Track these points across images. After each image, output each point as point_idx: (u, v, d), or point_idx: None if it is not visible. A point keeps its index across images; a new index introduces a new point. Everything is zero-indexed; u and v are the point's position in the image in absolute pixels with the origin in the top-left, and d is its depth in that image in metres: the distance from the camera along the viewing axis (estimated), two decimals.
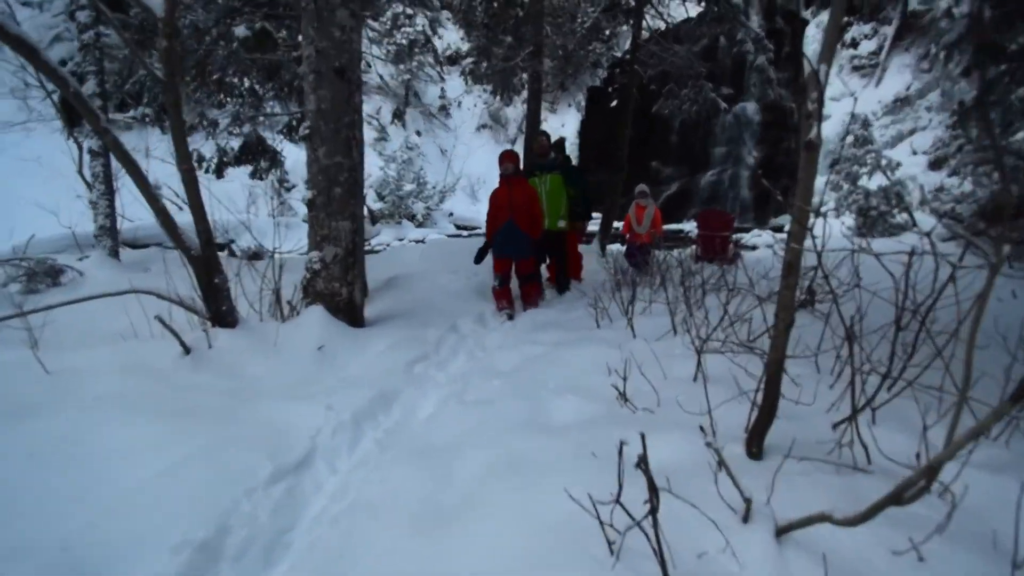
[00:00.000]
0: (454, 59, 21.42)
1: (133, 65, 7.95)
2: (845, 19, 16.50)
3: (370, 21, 10.80)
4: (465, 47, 18.54)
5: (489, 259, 4.73)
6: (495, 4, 9.14)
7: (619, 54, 19.07)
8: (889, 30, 16.08)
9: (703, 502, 1.50)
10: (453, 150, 19.18)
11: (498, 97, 18.47)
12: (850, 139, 13.99)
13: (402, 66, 18.20)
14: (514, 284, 4.82)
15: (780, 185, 17.06)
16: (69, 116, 6.51)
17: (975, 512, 1.49)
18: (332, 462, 1.99)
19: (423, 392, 2.73)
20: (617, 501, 1.08)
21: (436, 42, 20.27)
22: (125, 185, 4.03)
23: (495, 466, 1.75)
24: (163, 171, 10.09)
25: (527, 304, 4.66)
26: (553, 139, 9.16)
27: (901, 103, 15.08)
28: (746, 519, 1.42)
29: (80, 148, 6.65)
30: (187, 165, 2.89)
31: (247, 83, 7.50)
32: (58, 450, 1.85)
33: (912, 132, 14.40)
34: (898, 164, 13.29)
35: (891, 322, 1.92)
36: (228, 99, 7.72)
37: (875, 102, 15.49)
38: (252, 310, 3.39)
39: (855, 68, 16.65)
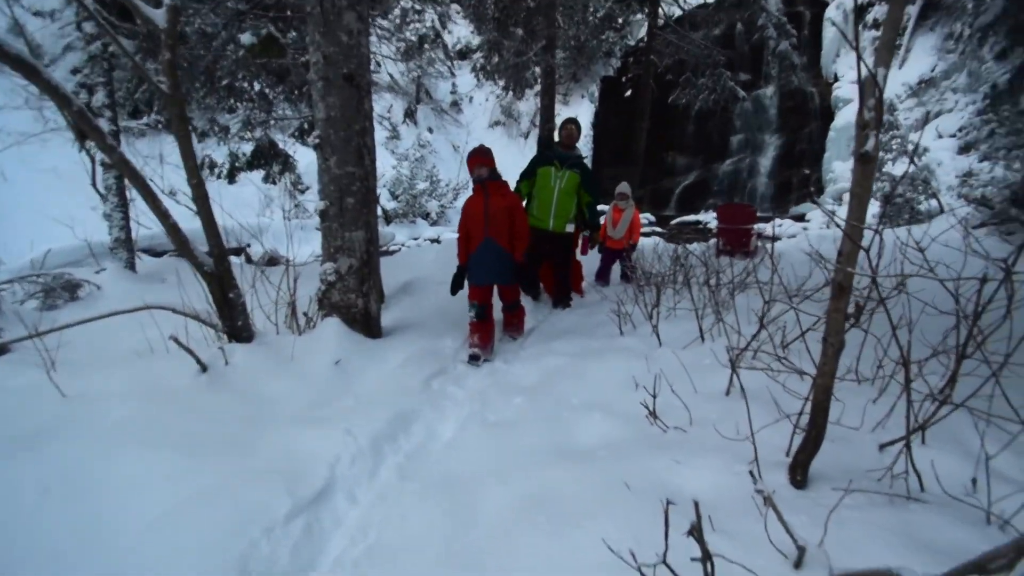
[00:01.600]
0: (464, 54, 21.24)
1: (140, 72, 7.99)
2: None
3: (378, 19, 10.71)
4: (476, 41, 18.34)
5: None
6: None
7: (633, 43, 18.67)
8: (913, 9, 15.44)
9: (751, 545, 1.39)
10: (466, 146, 19.06)
11: (510, 92, 18.27)
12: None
13: (412, 63, 18.09)
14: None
15: (801, 173, 16.62)
16: (80, 129, 6.56)
17: None
18: (352, 492, 1.92)
19: (442, 411, 2.64)
20: (664, 562, 0.97)
21: (446, 37, 20.11)
22: (139, 196, 4.03)
23: (521, 503, 1.66)
24: (178, 177, 10.18)
25: (509, 332, 3.90)
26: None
27: (926, 85, 14.50)
28: (799, 565, 1.30)
29: (92, 160, 6.69)
30: (196, 180, 2.83)
31: (257, 87, 7.47)
32: (70, 483, 1.80)
33: (938, 115, 13.84)
34: (925, 149, 12.79)
35: (949, 346, 1.76)
36: (238, 104, 7.71)
37: (899, 84, 14.92)
38: (268, 322, 3.34)
39: (878, 49, 16.02)
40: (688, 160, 18.41)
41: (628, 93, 18.79)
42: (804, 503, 1.61)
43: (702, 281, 3.95)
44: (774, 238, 11.75)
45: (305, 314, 3.36)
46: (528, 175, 4.58)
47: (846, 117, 15.22)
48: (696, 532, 0.92)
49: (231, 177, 10.14)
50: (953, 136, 13.10)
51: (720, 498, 1.60)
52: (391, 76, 15.74)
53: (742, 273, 3.94)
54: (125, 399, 2.41)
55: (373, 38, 10.72)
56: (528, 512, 1.62)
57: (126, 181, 5.55)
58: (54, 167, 13.07)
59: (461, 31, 20.71)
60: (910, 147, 12.45)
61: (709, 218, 15.23)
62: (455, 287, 3.71)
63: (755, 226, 8.45)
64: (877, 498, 1.62)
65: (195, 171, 2.82)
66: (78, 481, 1.82)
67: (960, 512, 1.56)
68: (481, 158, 3.60)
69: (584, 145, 19.48)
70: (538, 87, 10.35)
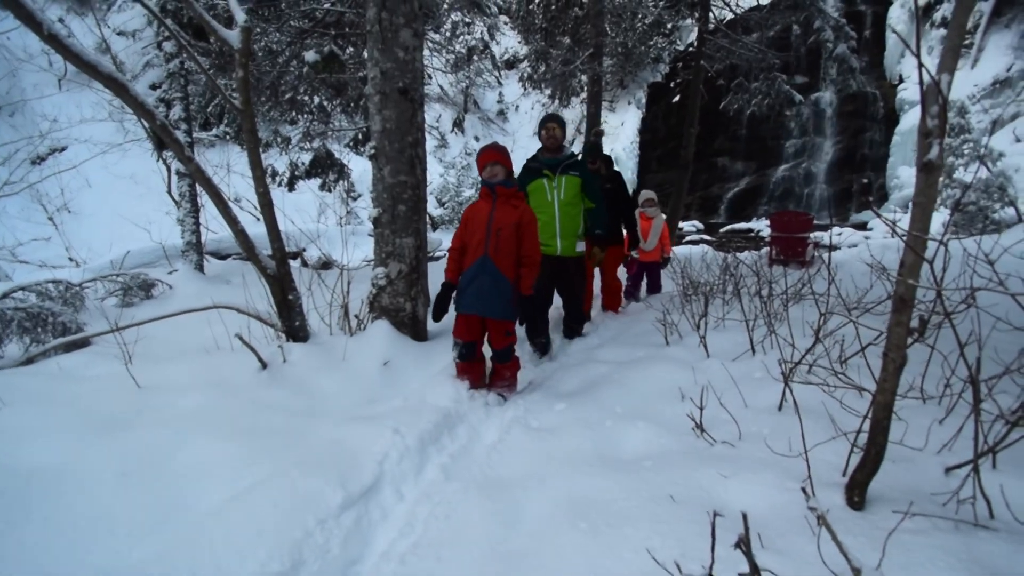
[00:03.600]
0: (512, 63, 21.54)
1: (214, 88, 8.61)
2: None
3: (430, 33, 11.06)
4: (523, 51, 18.59)
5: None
6: (554, 7, 9.06)
7: (682, 47, 18.35)
8: (986, 6, 14.37)
9: (802, 565, 1.36)
10: (510, 155, 19.30)
11: (556, 100, 18.36)
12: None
13: (461, 74, 18.54)
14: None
15: (862, 179, 15.75)
16: (159, 140, 7.15)
17: None
18: (399, 489, 1.99)
19: (486, 414, 2.70)
20: (709, 575, 0.97)
21: (494, 48, 20.48)
22: (209, 202, 4.36)
23: (564, 508, 1.68)
24: (242, 185, 10.86)
25: (497, 389, 2.97)
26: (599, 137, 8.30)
27: (1001, 86, 13.45)
28: None
29: (168, 169, 7.25)
30: (263, 188, 3.03)
31: (316, 100, 7.89)
32: (145, 467, 1.96)
33: (1014, 117, 12.80)
34: (1000, 154, 11.85)
35: (1019, 365, 1.65)
36: (299, 116, 8.15)
37: (971, 86, 13.91)
38: (323, 323, 3.51)
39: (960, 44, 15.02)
40: (740, 166, 17.83)
41: (676, 99, 18.46)
42: (861, 525, 1.54)
43: (753, 291, 3.84)
44: (832, 248, 11.19)
45: (356, 316, 3.51)
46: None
47: (912, 120, 14.35)
48: (744, 545, 0.91)
49: (291, 185, 10.73)
50: None
51: (770, 515, 1.56)
52: (441, 87, 16.19)
53: (797, 284, 3.79)
54: (193, 391, 2.61)
55: (425, 51, 11.08)
56: (570, 517, 1.64)
57: (197, 188, 5.99)
58: (132, 174, 14.26)
59: (509, 42, 21.04)
60: (983, 152, 11.57)
61: (760, 226, 14.68)
62: (437, 311, 2.96)
63: (811, 235, 8.08)
64: (941, 523, 1.53)
65: (262, 180, 3.03)
66: (152, 466, 1.99)
67: None
68: (495, 154, 2.90)
69: (630, 151, 19.25)
70: (584, 95, 10.36)
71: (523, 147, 19.66)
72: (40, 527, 1.68)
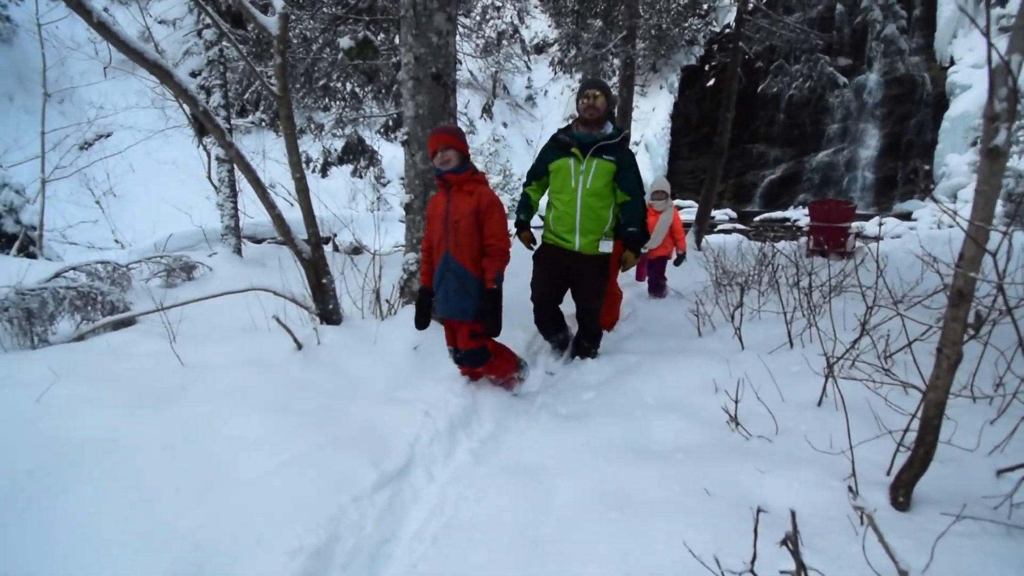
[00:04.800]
0: (541, 48, 21.22)
1: (251, 75, 8.78)
2: None
3: (461, 18, 10.99)
4: (553, 35, 18.27)
5: None
6: None
7: (718, 29, 17.71)
8: None
9: (846, 565, 1.32)
10: (539, 141, 19.12)
11: None
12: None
13: (490, 59, 18.38)
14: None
15: (909, 166, 15.00)
16: (199, 126, 7.37)
17: None
18: (430, 470, 2.03)
19: (514, 401, 2.71)
20: (751, 571, 0.95)
21: (523, 32, 20.20)
22: (246, 188, 4.45)
23: (594, 496, 1.68)
24: (277, 171, 11.11)
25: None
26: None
27: None
28: None
29: (208, 155, 7.44)
30: (299, 174, 3.08)
31: (349, 87, 7.96)
32: (189, 441, 2.05)
33: None
34: None
35: None
36: (332, 103, 8.25)
37: None
38: (355, 307, 3.58)
39: (1003, 29, 14.02)
40: (777, 152, 17.22)
41: (711, 83, 17.88)
42: (907, 526, 1.49)
43: (791, 283, 3.71)
44: (875, 238, 10.73)
45: (387, 301, 3.57)
46: (537, 174, 3.20)
47: (963, 105, 13.53)
48: (791, 542, 0.89)
49: (324, 171, 10.90)
50: None
51: (810, 513, 1.52)
52: (470, 72, 16.11)
53: (839, 275, 3.65)
54: (234, 369, 2.70)
55: (456, 36, 11.02)
56: (600, 505, 1.64)
57: (236, 174, 6.15)
58: (174, 160, 14.75)
59: (539, 25, 20.71)
60: None
61: (798, 215, 14.18)
62: (419, 319, 2.71)
63: (853, 224, 7.76)
64: (992, 527, 1.46)
65: (298, 166, 3.08)
66: (196, 439, 2.07)
67: None
68: (445, 136, 2.50)
69: (661, 138, 18.79)
70: (615, 79, 10.13)
71: (551, 133, 19.42)
72: (91, 494, 1.78)
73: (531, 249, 3.31)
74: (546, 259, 3.18)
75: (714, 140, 8.39)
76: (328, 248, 6.23)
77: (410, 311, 3.35)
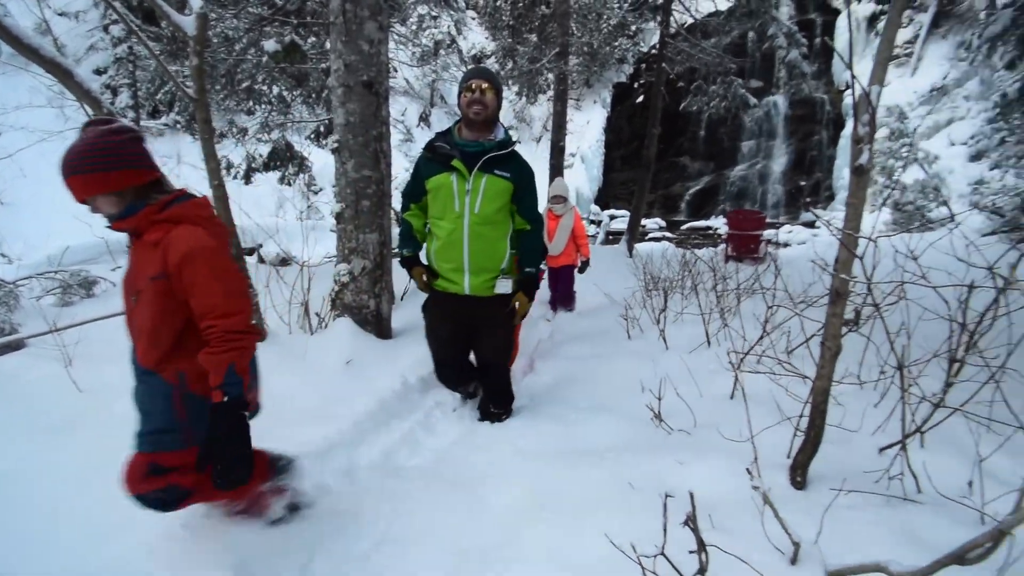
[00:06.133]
0: (479, 59, 21.41)
1: (164, 74, 8.24)
2: (877, 7, 15.85)
3: (396, 26, 10.91)
4: (490, 47, 18.53)
5: None
6: (521, 4, 9.09)
7: (645, 49, 18.74)
8: (925, 18, 15.35)
9: (749, 541, 1.44)
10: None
11: (523, 97, 18.42)
12: (885, 132, 13.45)
13: (427, 68, 18.32)
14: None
15: (813, 179, 16.56)
16: None
17: None
18: (361, 487, 1.99)
19: (451, 411, 2.71)
20: (662, 554, 1.03)
21: (461, 43, 20.30)
22: None
23: (528, 500, 1.72)
24: (194, 177, 10.42)
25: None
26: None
27: (938, 93, 14.41)
28: (794, 561, 1.35)
29: None
30: (217, 181, 2.94)
31: (276, 90, 7.65)
32: (94, 471, 1.88)
33: (950, 123, 13.75)
34: (935, 157, 12.73)
35: (943, 351, 1.81)
36: (257, 106, 7.89)
37: (910, 92, 14.83)
38: (281, 322, 3.43)
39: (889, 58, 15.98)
40: (700, 165, 18.42)
41: (640, 99, 18.85)
42: (803, 503, 1.66)
43: (709, 287, 4.00)
44: (783, 244, 11.73)
45: (318, 314, 3.45)
46: (414, 194, 2.42)
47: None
48: (691, 522, 0.98)
49: (247, 178, 10.35)
50: (965, 144, 13.00)
51: (722, 498, 1.65)
52: (407, 81, 15.93)
53: (748, 279, 3.98)
54: None
55: (391, 44, 10.91)
56: (533, 508, 1.69)
57: None
58: None
59: (476, 37, 20.89)
60: (920, 155, 12.38)
61: (719, 223, 15.23)
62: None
63: (764, 232, 8.45)
64: (874, 498, 1.66)
65: (217, 173, 2.93)
66: (103, 469, 1.91)
67: (955, 512, 1.60)
68: (81, 180, 1.36)
69: (596, 150, 19.53)
70: (551, 92, 10.44)
71: None
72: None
73: (426, 291, 2.50)
74: (437, 312, 2.46)
75: (642, 153, 8.87)
76: (252, 260, 5.93)
77: (342, 324, 3.27)
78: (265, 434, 2.24)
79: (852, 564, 1.23)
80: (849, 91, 16.11)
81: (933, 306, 1.88)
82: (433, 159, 2.30)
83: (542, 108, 20.19)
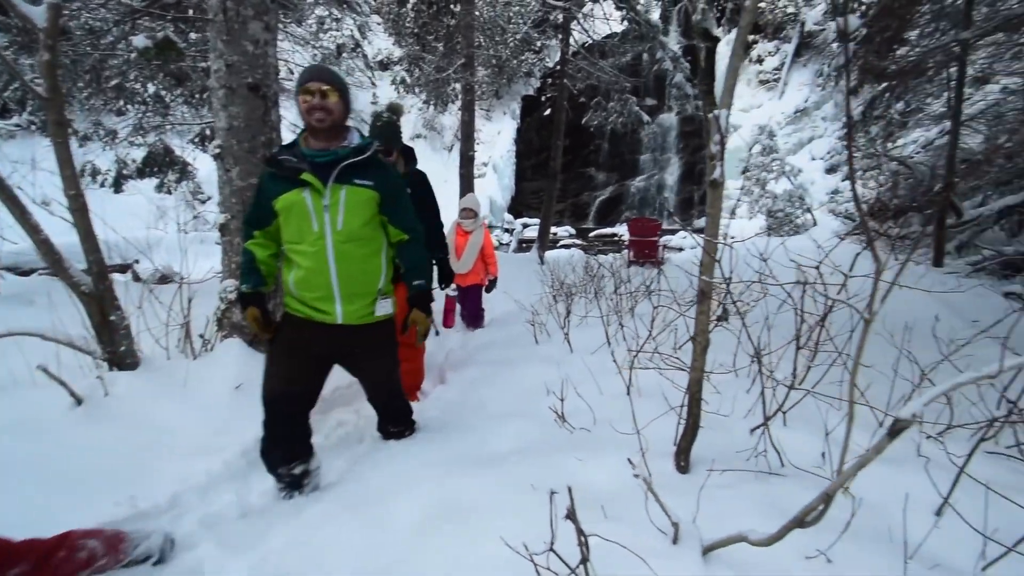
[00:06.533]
0: (386, 65, 20.98)
1: (12, 72, 7.14)
2: (751, 37, 17.89)
3: (293, 26, 10.37)
4: (397, 53, 18.22)
5: None
6: (426, 13, 9.08)
7: (551, 65, 19.54)
8: (789, 48, 17.62)
9: (636, 526, 1.54)
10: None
11: (431, 106, 18.33)
12: (758, 148, 15.19)
13: None
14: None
15: (702, 189, 18.25)
16: None
17: (876, 507, 1.64)
18: (260, 514, 1.85)
19: (355, 430, 2.61)
20: (551, 549, 1.07)
21: (366, 47, 19.77)
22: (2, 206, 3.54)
23: (433, 511, 1.70)
24: (53, 185, 9.08)
25: None
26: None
27: (801, 114, 16.57)
28: (675, 541, 1.46)
29: None
30: (74, 190, 2.60)
31: (152, 89, 6.94)
32: None
33: (811, 140, 15.86)
34: (799, 170, 14.61)
35: (792, 340, 2.07)
36: (129, 106, 7.10)
37: (779, 113, 16.90)
38: (158, 346, 3.09)
39: (761, 82, 18.09)
40: (604, 176, 19.53)
41: (547, 112, 19.58)
42: (687, 486, 1.80)
43: (610, 291, 4.24)
44: (679, 249, 12.76)
45: (201, 336, 3.16)
46: (260, 220, 2.09)
47: (734, 141, 16.93)
48: (571, 514, 1.03)
49: (117, 186, 9.21)
50: (822, 159, 15.06)
51: (616, 489, 1.75)
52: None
53: (644, 282, 4.28)
54: None
55: (287, 45, 10.33)
56: (438, 519, 1.67)
57: None
58: None
59: (382, 42, 20.46)
60: (788, 168, 14.14)
61: (623, 231, 16.23)
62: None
63: (662, 238, 9.14)
64: (746, 475, 1.85)
65: (73, 181, 2.59)
66: None
67: (812, 481, 1.83)
68: None
69: (507, 160, 19.93)
70: (459, 103, 10.52)
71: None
72: None
73: (265, 337, 2.11)
74: (292, 339, 2.08)
75: (550, 165, 9.21)
76: (125, 278, 5.29)
77: (230, 346, 3.02)
78: (144, 472, 2.02)
79: (722, 538, 1.36)
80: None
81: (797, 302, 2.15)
82: (279, 176, 1.98)
83: (452, 117, 20.24)
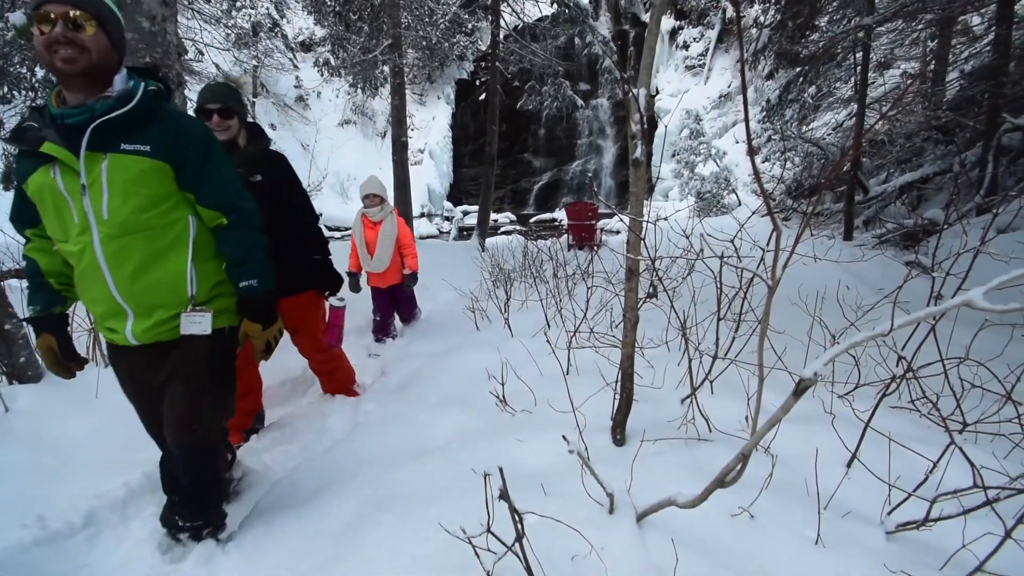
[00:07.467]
0: (308, 46, 19.87)
1: None
2: (676, 24, 18.48)
3: (201, 1, 9.56)
4: (320, 33, 17.30)
5: None
6: None
7: (484, 48, 19.29)
8: (712, 34, 18.40)
9: (575, 500, 1.59)
10: (315, 145, 17.84)
11: (360, 89, 17.61)
12: (687, 132, 15.85)
13: (247, 53, 16.43)
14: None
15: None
16: None
17: (792, 463, 1.78)
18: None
19: (290, 431, 2.50)
20: (488, 531, 1.08)
21: (286, 27, 18.61)
22: None
23: (370, 506, 1.66)
24: None
25: None
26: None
27: (724, 99, 17.42)
28: (611, 511, 1.52)
29: None
30: None
31: (40, 74, 6.21)
32: None
33: (734, 124, 16.75)
34: (724, 153, 15.41)
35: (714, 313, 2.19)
36: (15, 93, 6.32)
37: (704, 99, 17.68)
38: None
39: (688, 68, 18.83)
40: (542, 161, 19.67)
41: (482, 96, 19.39)
42: (622, 457, 1.87)
43: (549, 275, 4.31)
44: (616, 232, 13.13)
45: None
46: (30, 216, 1.53)
47: (668, 125, 17.58)
48: (503, 494, 1.04)
49: (7, 182, 8.20)
50: (744, 142, 15.96)
51: (554, 467, 1.79)
52: (217, 67, 14.08)
53: (582, 265, 4.38)
54: None
55: (195, 24, 9.53)
56: (376, 513, 1.64)
57: None
58: None
59: (303, 22, 19.35)
60: (714, 151, 14.86)
61: (562, 215, 16.47)
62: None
63: (599, 221, 9.36)
64: (677, 443, 1.95)
65: None
66: None
67: (736, 444, 1.96)
68: None
69: (444, 146, 19.58)
70: (387, 86, 10.17)
71: (330, 137, 18.34)
72: None
73: (66, 376, 1.67)
74: (119, 372, 1.69)
75: (485, 150, 9.14)
76: (21, 283, 4.75)
77: None
78: (54, 491, 1.83)
79: (653, 503, 1.43)
80: (659, 96, 18.63)
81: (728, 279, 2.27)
82: (26, 151, 1.44)
83: (384, 102, 19.58)
